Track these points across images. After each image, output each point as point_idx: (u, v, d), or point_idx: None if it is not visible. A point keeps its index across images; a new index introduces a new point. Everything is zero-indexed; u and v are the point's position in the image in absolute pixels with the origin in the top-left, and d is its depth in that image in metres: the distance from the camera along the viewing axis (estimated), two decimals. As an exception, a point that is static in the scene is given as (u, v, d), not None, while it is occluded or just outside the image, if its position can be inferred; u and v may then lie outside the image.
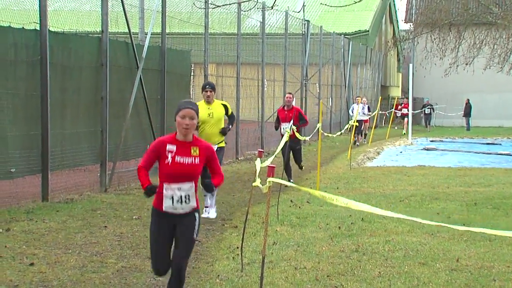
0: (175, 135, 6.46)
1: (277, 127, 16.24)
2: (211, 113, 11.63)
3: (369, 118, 30.88)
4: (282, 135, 15.27)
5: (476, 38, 34.19)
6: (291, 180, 15.83)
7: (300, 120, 16.13)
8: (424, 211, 12.49)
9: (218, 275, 7.90)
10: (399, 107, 40.96)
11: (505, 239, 9.62)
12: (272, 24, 27.84)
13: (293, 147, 16.07)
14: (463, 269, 8.20)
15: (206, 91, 11.71)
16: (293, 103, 16.50)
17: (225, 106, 11.94)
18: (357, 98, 29.99)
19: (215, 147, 10.98)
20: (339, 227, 10.65)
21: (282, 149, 13.96)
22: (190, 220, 6.39)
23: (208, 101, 11.71)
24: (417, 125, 44.46)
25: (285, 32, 26.72)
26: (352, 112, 29.07)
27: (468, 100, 45.30)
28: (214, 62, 23.33)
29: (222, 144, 11.90)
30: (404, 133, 36.69)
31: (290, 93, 16.68)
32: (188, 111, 6.30)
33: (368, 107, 30.88)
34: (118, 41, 15.10)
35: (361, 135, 30.29)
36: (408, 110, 36.62)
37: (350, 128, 25.25)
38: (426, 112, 42.78)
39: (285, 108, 16.13)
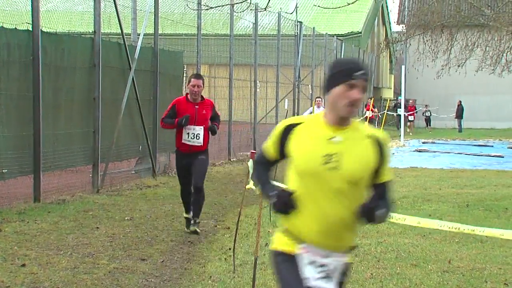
0: None
1: (170, 124, 10.13)
2: None
3: None
4: (188, 146, 10.11)
5: (468, 40, 34.24)
6: (196, 221, 10.32)
7: (215, 119, 10.41)
8: (416, 213, 12.51)
9: (210, 276, 7.90)
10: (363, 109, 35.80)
11: (496, 241, 9.64)
12: (265, 25, 27.84)
13: (195, 159, 10.13)
14: (455, 271, 8.22)
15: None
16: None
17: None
18: (317, 99, 23.66)
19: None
20: (331, 229, 10.64)
21: (179, 171, 10.36)
22: None
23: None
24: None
25: (277, 34, 26.73)
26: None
27: (460, 102, 45.48)
28: (206, 63, 23.33)
29: None
30: None
31: (199, 77, 10.25)
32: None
33: None
34: (111, 42, 15.08)
35: None
36: (372, 113, 34.05)
37: None
38: (398, 113, 39.71)
39: (191, 100, 10.10)
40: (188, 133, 9.98)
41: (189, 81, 10.11)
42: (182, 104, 10.08)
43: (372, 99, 37.96)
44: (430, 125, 45.65)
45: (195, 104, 10.04)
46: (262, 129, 25.66)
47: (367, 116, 34.19)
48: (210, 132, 10.18)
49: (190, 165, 10.07)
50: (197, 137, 9.98)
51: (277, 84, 27.10)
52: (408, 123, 41.87)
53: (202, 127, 10.02)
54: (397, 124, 40.43)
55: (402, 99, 33.73)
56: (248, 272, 7.93)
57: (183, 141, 10.03)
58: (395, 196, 14.47)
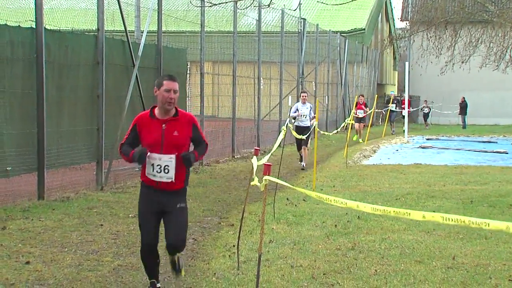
0: None
1: (126, 155, 7.19)
2: None
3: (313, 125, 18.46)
4: (155, 182, 6.68)
5: (472, 36, 34.17)
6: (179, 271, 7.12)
7: (198, 144, 6.94)
8: (420, 210, 12.49)
9: (215, 273, 7.90)
10: (353, 109, 29.77)
11: (501, 237, 9.63)
12: (268, 22, 27.82)
13: (168, 207, 6.72)
14: (459, 267, 8.21)
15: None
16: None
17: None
18: (302, 94, 20.24)
19: None
20: (336, 225, 10.66)
21: (143, 210, 6.76)
22: None
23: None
24: (414, 123, 44.39)
25: (281, 30, 26.71)
26: (295, 113, 19.49)
27: (464, 98, 45.40)
28: (210, 60, 23.34)
29: None
30: (361, 141, 29.59)
31: (174, 79, 6.75)
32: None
33: (311, 109, 19.68)
34: (114, 39, 15.08)
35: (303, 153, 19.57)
36: (364, 112, 30.22)
37: (346, 126, 25.18)
38: (391, 109, 37.68)
39: (159, 114, 6.78)
40: (152, 165, 6.65)
41: (161, 85, 6.65)
42: (144, 122, 6.83)
43: (374, 97, 37.59)
44: (426, 121, 44.35)
45: (162, 121, 6.68)
46: (265, 126, 25.68)
47: (358, 116, 30.19)
48: (183, 163, 6.69)
49: (161, 208, 6.72)
50: (165, 170, 6.62)
51: (280, 81, 27.10)
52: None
53: (172, 156, 6.62)
54: (389, 119, 38.15)
55: (406, 95, 33.61)
56: (252, 269, 7.94)
57: (146, 175, 6.75)
58: (399, 192, 14.45)
